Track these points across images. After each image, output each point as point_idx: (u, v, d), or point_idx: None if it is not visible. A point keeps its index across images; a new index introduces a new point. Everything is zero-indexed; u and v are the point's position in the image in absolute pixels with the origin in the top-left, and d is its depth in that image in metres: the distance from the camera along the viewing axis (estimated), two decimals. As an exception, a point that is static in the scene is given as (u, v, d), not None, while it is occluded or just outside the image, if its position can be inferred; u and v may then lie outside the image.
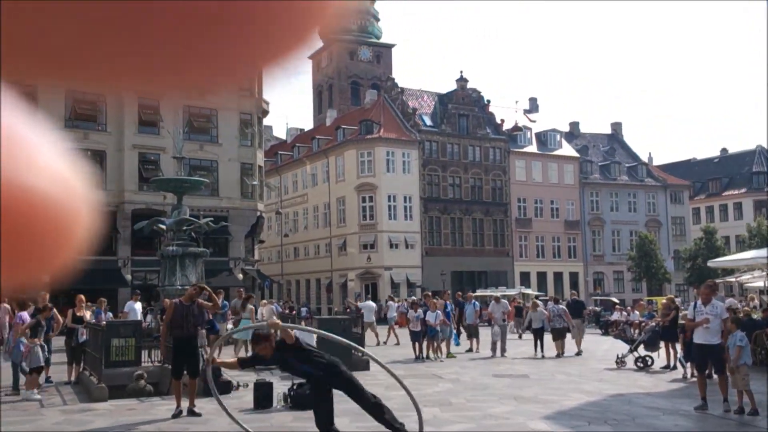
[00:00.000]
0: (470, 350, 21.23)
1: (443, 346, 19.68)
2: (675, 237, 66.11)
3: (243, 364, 7.71)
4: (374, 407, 7.29)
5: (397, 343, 23.99)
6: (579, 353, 20.48)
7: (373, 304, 27.42)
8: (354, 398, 7.33)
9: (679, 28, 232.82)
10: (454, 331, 21.29)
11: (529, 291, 45.68)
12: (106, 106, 39.96)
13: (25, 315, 13.65)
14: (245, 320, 18.13)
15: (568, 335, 20.83)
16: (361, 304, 26.64)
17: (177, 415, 10.17)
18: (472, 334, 21.76)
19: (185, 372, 10.52)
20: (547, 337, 20.81)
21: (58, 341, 15.90)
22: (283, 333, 7.34)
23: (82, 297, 15.64)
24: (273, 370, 15.42)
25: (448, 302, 21.09)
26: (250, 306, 18.48)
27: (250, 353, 18.09)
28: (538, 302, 22.74)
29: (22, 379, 13.12)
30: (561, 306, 21.26)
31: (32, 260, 0.40)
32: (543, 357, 19.77)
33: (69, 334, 14.55)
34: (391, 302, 29.75)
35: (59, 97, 36.49)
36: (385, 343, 24.31)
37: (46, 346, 13.24)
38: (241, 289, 22.38)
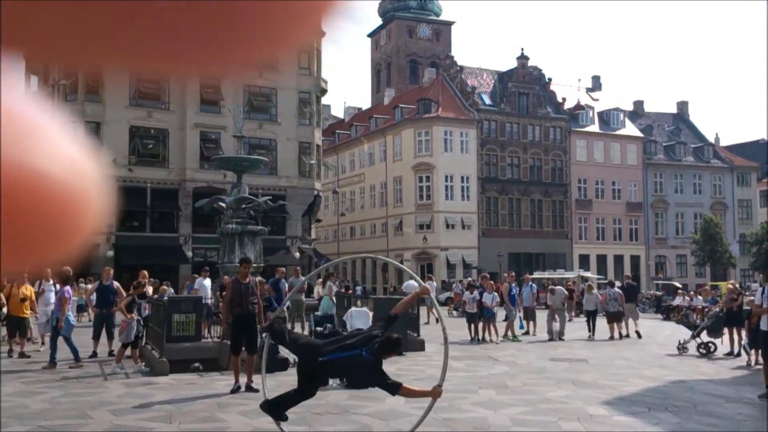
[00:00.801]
0: (527, 333, 21.02)
1: (496, 327, 19.49)
2: (741, 220, 64.09)
3: None
4: None
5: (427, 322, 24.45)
6: (639, 336, 20.56)
7: (415, 284, 27.25)
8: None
9: (747, 3, 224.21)
10: (519, 314, 20.80)
11: (588, 274, 44.96)
12: (169, 85, 40.71)
13: (69, 290, 13.89)
14: (326, 297, 18.50)
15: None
16: (404, 285, 26.59)
17: (235, 390, 10.35)
18: (529, 317, 21.51)
19: (243, 348, 10.68)
20: (602, 320, 21.08)
21: (121, 316, 16.35)
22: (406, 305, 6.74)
23: (145, 272, 16.02)
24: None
25: (513, 285, 20.71)
26: (329, 283, 18.94)
27: (306, 330, 18.33)
28: (593, 285, 23.12)
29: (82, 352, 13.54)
30: (616, 290, 21.26)
31: (43, 242, 0.40)
32: (592, 338, 20.02)
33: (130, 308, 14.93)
34: (430, 282, 29.42)
35: (124, 75, 37.31)
36: (426, 323, 24.33)
37: (141, 321, 13.51)
38: (298, 268, 22.59)
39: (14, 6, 0.36)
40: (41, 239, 0.40)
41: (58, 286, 14.49)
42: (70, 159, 0.41)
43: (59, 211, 0.40)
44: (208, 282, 18.40)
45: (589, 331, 20.59)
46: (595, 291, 22.20)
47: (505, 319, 19.86)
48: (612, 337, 20.18)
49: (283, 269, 20.10)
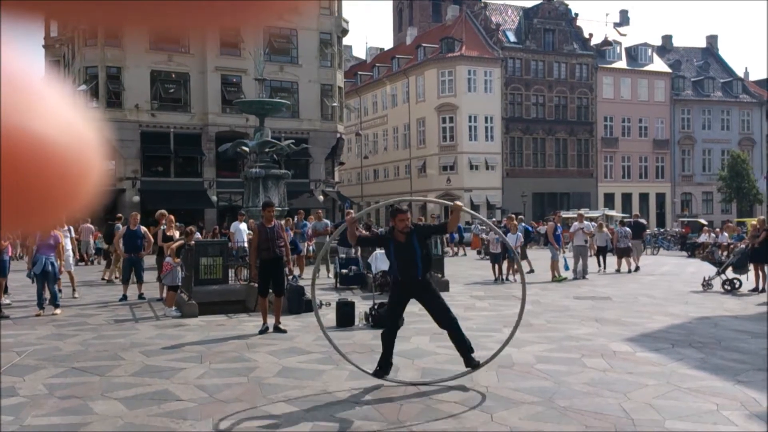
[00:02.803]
0: (531, 271, 20.73)
1: (521, 267, 19.45)
2: (770, 156, 63.13)
3: (360, 240, 8.25)
4: (452, 326, 7.56)
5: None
6: (637, 269, 22.30)
7: None
8: (435, 315, 7.61)
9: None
10: (564, 255, 20.24)
11: (613, 213, 44.72)
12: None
13: (57, 235, 13.55)
14: None
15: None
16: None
17: (263, 331, 10.55)
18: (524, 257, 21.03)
19: (271, 290, 10.83)
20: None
21: (149, 259, 16.62)
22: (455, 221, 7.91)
23: (172, 217, 16.16)
24: (354, 291, 15.79)
25: (558, 225, 20.38)
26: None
27: (331, 273, 18.53)
28: (603, 223, 24.89)
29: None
30: (626, 228, 22.75)
31: (42, 206, 0.40)
32: (603, 272, 21.31)
33: (160, 252, 15.12)
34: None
35: (142, 32, 37.10)
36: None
37: (184, 265, 13.54)
38: (320, 211, 22.69)
39: None
40: (40, 203, 0.40)
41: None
42: (67, 122, 0.41)
43: (57, 175, 0.40)
44: (244, 226, 18.47)
45: (599, 266, 21.68)
46: (605, 229, 23.22)
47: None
48: (618, 270, 21.82)
49: (352, 212, 19.88)
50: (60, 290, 14.81)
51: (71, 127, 0.41)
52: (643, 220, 32.37)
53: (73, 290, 15.53)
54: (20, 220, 0.40)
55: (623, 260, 22.19)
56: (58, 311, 12.84)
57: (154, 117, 39.62)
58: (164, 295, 13.56)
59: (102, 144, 0.43)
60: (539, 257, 28.09)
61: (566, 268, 19.81)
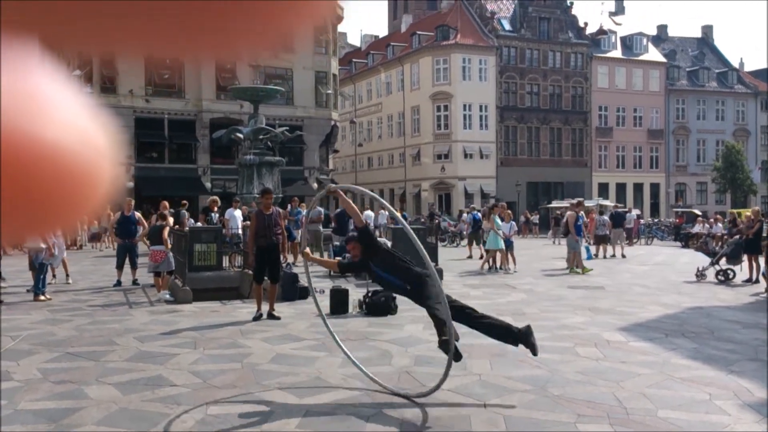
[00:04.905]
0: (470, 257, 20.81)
1: (514, 257, 19.48)
2: (763, 147, 63.22)
3: (341, 267, 7.84)
4: (473, 319, 6.93)
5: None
6: (623, 256, 23.71)
7: (371, 213, 25.99)
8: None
9: None
10: (586, 245, 19.30)
11: (606, 202, 44.76)
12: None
13: None
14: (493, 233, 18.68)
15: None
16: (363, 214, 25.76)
17: (257, 317, 10.56)
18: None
19: (266, 278, 10.84)
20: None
21: (144, 246, 16.57)
22: (346, 205, 7.17)
23: (166, 203, 16.13)
24: (348, 278, 15.75)
25: (581, 215, 19.16)
26: (493, 216, 18.95)
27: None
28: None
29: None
30: (605, 217, 24.19)
31: (53, 213, 0.40)
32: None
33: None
34: (368, 211, 27.97)
35: (137, 59, 36.96)
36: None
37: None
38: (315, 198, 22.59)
39: None
40: (51, 210, 0.40)
41: None
42: (81, 130, 0.41)
43: (69, 183, 0.40)
44: (238, 213, 18.40)
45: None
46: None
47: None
48: (596, 255, 23.17)
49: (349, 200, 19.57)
50: (54, 276, 14.86)
51: (83, 133, 0.41)
52: (636, 211, 32.89)
53: (67, 276, 15.51)
54: (32, 228, 0.40)
55: (601, 247, 23.58)
56: (42, 298, 12.83)
57: (149, 103, 39.44)
58: (158, 281, 13.56)
59: (115, 149, 0.43)
60: (531, 246, 28.25)
61: (588, 257, 19.15)
